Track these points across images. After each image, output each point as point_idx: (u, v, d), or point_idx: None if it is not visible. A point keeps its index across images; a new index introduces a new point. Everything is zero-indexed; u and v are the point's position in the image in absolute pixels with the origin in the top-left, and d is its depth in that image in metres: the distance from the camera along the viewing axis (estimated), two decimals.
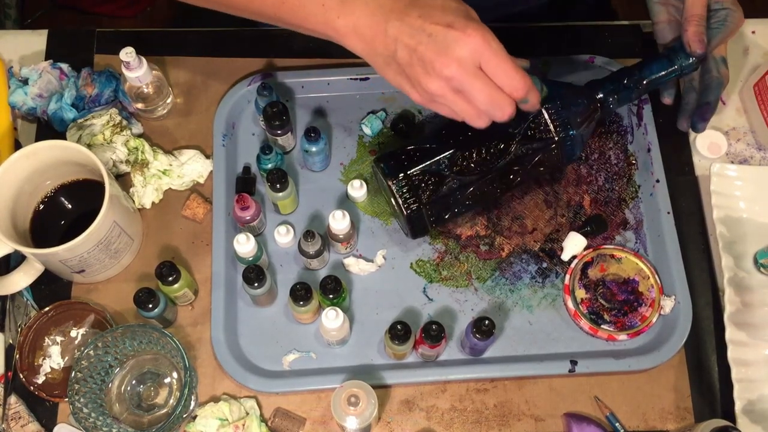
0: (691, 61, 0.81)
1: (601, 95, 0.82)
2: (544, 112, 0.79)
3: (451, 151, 0.79)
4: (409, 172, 0.79)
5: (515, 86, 0.66)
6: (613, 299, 0.86)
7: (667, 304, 0.86)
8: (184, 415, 0.80)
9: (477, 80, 0.65)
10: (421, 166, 0.79)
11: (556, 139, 0.78)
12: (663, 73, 0.82)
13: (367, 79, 0.95)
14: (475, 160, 0.79)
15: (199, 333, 0.86)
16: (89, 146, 0.89)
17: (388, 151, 0.83)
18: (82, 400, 0.77)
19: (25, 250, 0.78)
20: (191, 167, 0.91)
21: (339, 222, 0.82)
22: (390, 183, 0.79)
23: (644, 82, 0.82)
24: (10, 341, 0.84)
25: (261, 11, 0.73)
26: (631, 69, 0.83)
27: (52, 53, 0.97)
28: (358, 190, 0.89)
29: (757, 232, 0.90)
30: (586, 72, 0.96)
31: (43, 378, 0.83)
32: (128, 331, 0.80)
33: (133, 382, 0.83)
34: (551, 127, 0.78)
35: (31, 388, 0.82)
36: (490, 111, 0.67)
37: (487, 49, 0.64)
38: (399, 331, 0.78)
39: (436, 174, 0.79)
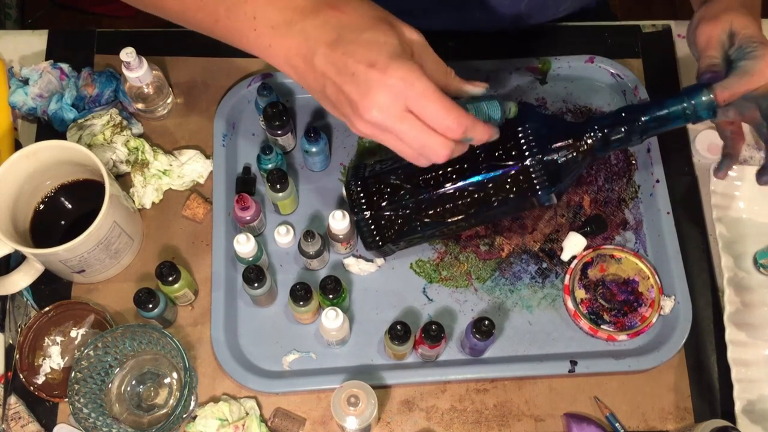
0: (703, 99, 0.74)
1: (593, 133, 0.75)
2: (517, 135, 0.74)
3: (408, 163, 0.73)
4: (366, 178, 0.82)
5: (448, 126, 0.61)
6: (612, 299, 0.86)
7: (667, 304, 0.86)
8: (184, 416, 0.80)
9: (403, 124, 0.61)
10: (380, 170, 0.82)
11: (525, 165, 0.74)
12: (672, 109, 0.74)
13: None
14: (430, 176, 0.77)
15: (199, 333, 0.86)
16: (89, 146, 0.89)
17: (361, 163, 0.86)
18: (82, 400, 0.77)
19: (25, 250, 0.78)
20: (191, 167, 0.91)
21: (339, 222, 0.82)
22: (348, 184, 0.83)
23: (650, 116, 0.75)
24: (10, 341, 0.84)
25: (200, 26, 0.69)
26: (639, 105, 0.77)
27: (53, 53, 0.97)
28: None
29: (756, 232, 0.90)
30: (586, 72, 0.97)
31: (43, 378, 0.83)
32: (128, 331, 0.80)
33: (133, 382, 0.83)
34: (517, 153, 0.73)
35: (31, 388, 0.82)
36: (423, 154, 0.63)
37: (410, 90, 0.59)
38: (399, 332, 0.78)
39: (391, 184, 0.80)
